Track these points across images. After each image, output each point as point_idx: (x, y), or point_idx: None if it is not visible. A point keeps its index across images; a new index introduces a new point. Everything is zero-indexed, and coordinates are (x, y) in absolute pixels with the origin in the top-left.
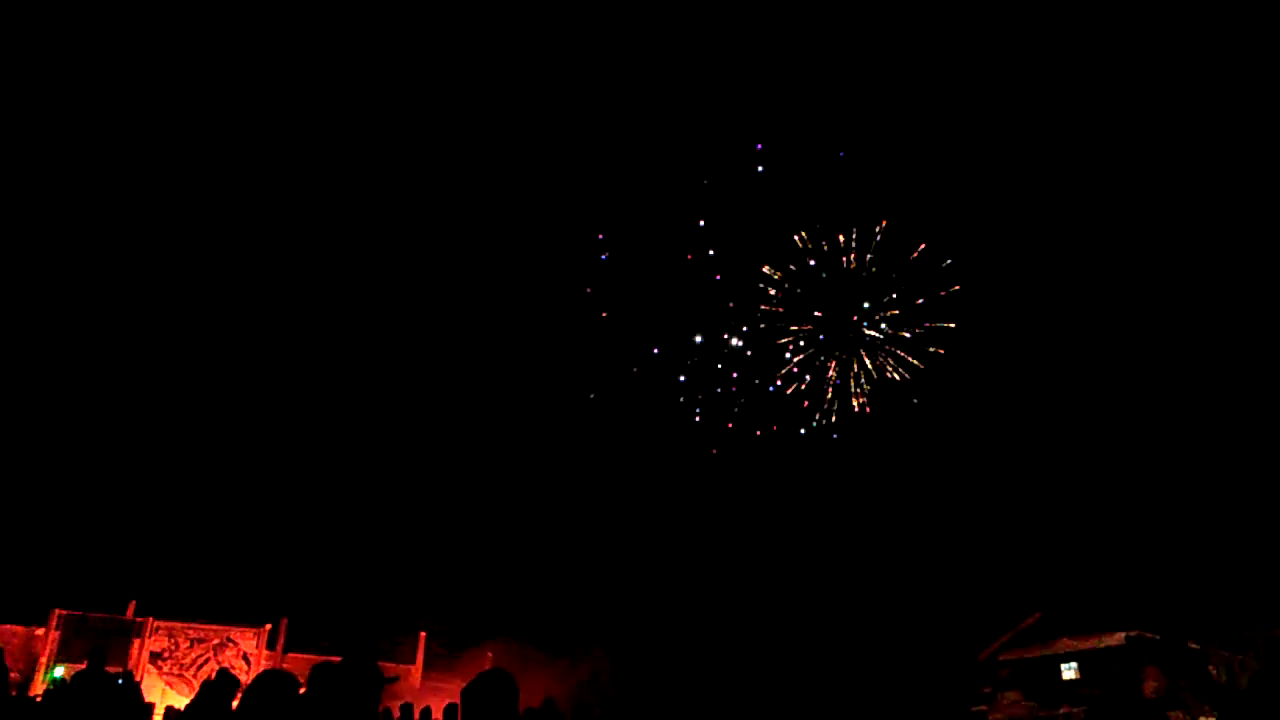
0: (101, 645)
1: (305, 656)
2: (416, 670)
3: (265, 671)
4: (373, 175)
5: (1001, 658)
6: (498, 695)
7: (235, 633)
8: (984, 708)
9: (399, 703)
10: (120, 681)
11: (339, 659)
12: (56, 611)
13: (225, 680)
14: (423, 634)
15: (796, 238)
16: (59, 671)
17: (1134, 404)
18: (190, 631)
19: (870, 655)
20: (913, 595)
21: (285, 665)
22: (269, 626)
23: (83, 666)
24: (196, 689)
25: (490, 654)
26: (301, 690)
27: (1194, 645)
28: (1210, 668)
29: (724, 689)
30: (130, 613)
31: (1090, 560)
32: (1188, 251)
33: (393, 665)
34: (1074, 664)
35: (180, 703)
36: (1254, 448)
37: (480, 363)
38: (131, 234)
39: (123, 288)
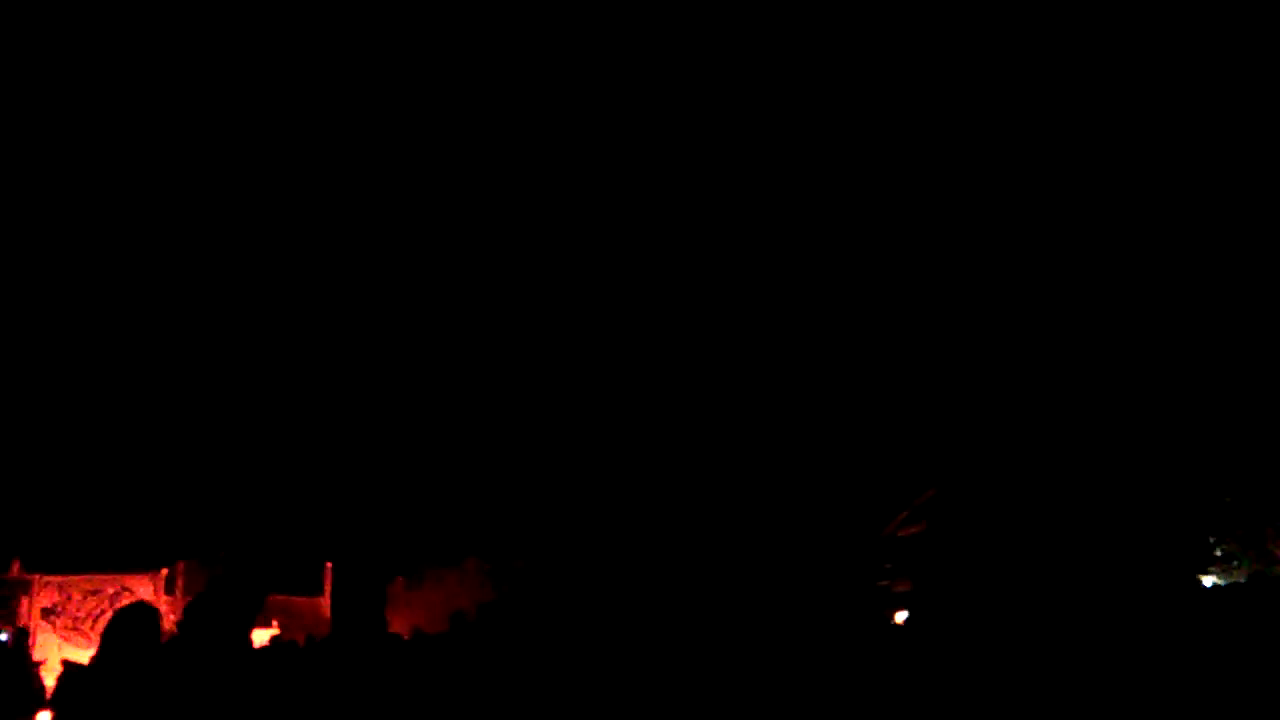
0: None
1: None
2: (325, 601)
3: (123, 609)
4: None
5: (901, 534)
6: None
7: (130, 580)
8: (888, 582)
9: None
10: (4, 639)
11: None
12: None
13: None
14: (329, 564)
15: None
16: None
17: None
18: (83, 584)
19: (781, 543)
20: (817, 487)
21: None
22: (165, 571)
23: None
24: (95, 640)
25: (401, 579)
26: None
27: None
28: None
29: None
30: (15, 570)
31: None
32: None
33: (299, 600)
34: None
35: (78, 655)
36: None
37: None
38: None
39: None
